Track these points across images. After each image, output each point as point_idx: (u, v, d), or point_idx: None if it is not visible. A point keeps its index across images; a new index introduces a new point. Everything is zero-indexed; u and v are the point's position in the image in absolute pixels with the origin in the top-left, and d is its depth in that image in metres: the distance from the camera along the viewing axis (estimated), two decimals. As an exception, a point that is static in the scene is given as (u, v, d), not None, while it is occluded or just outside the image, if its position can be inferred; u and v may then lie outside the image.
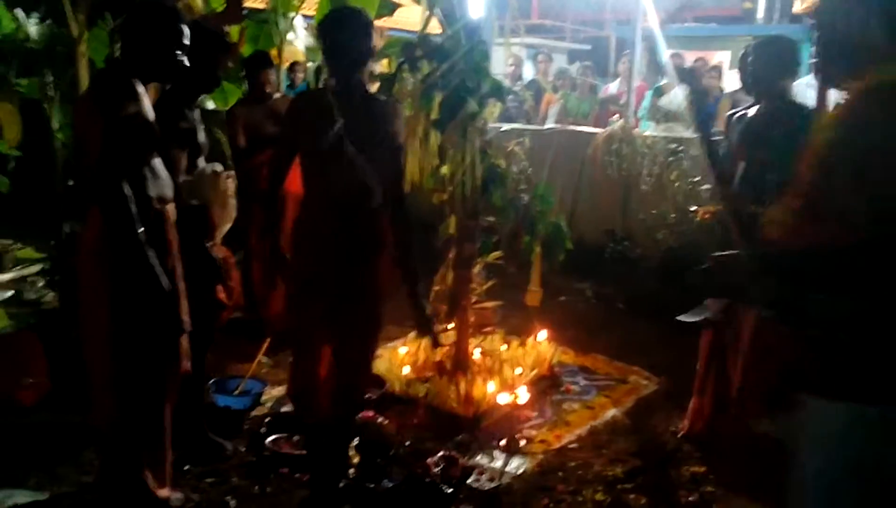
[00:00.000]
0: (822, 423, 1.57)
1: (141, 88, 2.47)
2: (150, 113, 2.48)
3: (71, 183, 5.89)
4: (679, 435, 3.56)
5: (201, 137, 3.07)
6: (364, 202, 2.69)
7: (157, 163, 2.53)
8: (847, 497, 1.55)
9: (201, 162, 3.05)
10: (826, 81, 1.88)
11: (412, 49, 3.67)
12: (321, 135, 2.63)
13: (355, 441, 3.17)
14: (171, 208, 2.60)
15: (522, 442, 3.48)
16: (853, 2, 1.61)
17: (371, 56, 2.70)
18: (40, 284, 5.20)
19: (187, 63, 2.57)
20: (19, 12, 6.47)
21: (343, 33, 2.66)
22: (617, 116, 6.93)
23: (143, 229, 2.36)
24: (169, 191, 2.58)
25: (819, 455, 1.58)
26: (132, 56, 2.50)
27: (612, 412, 3.86)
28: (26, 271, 5.52)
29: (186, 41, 2.56)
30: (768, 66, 3.16)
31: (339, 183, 2.66)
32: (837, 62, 1.69)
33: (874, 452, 1.51)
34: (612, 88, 8.27)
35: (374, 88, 4.85)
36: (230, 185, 3.16)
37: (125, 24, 2.57)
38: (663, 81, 7.24)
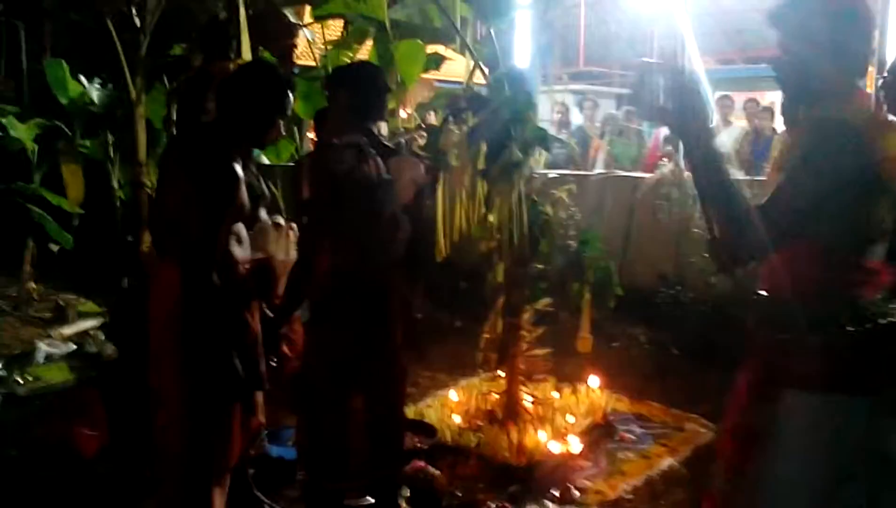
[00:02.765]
0: (801, 411, 1.82)
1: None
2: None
3: (130, 239, 6.08)
4: (739, 485, 3.44)
5: (262, 189, 3.10)
6: (397, 259, 2.67)
7: (241, 226, 2.52)
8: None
9: (262, 214, 3.09)
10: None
11: (456, 101, 3.74)
12: (367, 194, 2.60)
13: (406, 493, 3.15)
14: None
15: (576, 493, 3.41)
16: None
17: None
18: (101, 337, 5.34)
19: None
20: (83, 78, 6.83)
21: (377, 85, 2.71)
22: (666, 159, 6.89)
23: (229, 292, 2.35)
24: (248, 252, 2.57)
25: (796, 437, 1.83)
26: (233, 120, 2.44)
27: (668, 462, 3.75)
28: (88, 325, 5.68)
29: (290, 112, 2.53)
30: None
31: (379, 241, 2.64)
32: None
33: (840, 433, 1.79)
34: (664, 131, 8.25)
35: (422, 139, 4.95)
36: (292, 236, 3.22)
37: (229, 87, 2.50)
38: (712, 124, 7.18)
